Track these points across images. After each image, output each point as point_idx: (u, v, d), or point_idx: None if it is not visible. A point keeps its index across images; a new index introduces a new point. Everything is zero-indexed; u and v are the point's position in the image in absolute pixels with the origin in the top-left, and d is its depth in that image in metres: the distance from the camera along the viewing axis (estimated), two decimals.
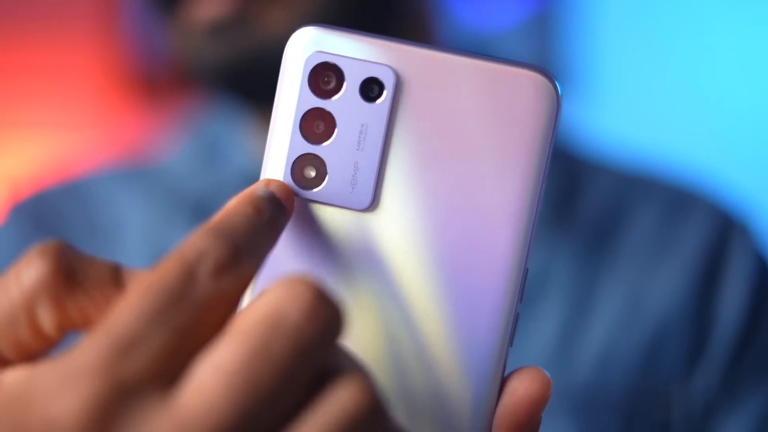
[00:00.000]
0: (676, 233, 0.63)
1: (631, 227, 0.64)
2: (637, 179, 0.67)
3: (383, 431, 0.23)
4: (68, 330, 0.25)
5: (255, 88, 0.61)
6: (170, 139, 0.75)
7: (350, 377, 0.23)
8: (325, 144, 0.29)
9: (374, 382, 0.23)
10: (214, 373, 0.22)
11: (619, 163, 0.69)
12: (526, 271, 0.29)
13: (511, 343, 0.29)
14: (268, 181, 0.28)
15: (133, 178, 0.69)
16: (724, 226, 0.64)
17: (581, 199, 0.65)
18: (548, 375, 0.28)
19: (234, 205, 0.26)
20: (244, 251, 0.24)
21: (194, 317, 0.23)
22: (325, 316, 0.23)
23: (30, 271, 0.24)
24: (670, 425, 0.59)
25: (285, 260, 0.29)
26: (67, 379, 0.22)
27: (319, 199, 0.29)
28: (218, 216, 0.25)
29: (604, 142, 0.71)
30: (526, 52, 1.65)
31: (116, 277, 0.25)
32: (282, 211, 0.27)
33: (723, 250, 0.63)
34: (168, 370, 0.22)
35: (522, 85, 0.28)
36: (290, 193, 0.28)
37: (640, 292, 0.61)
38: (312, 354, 0.22)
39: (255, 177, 0.65)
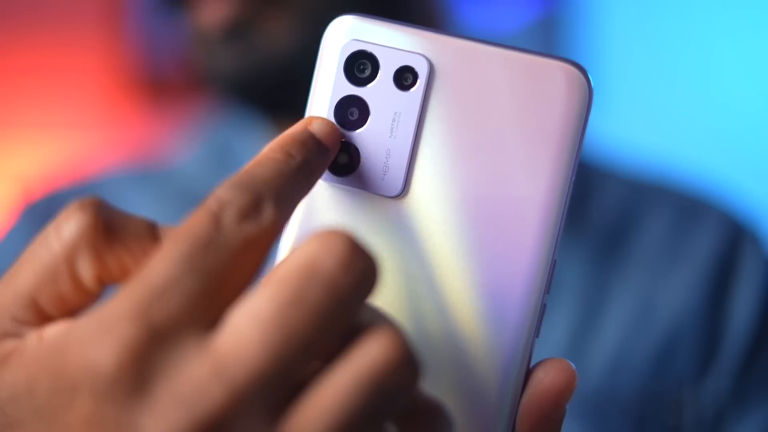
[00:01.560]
0: (687, 240, 0.63)
1: (643, 234, 0.64)
2: (648, 186, 0.67)
3: (413, 384, 0.23)
4: (107, 283, 0.25)
5: (262, 95, 0.62)
6: (181, 141, 0.76)
7: (383, 330, 0.23)
8: (358, 131, 0.29)
9: (407, 337, 0.23)
10: (249, 320, 0.22)
11: (631, 170, 0.69)
12: (554, 263, 0.29)
13: (537, 333, 0.29)
14: (310, 120, 0.28)
15: (144, 180, 0.69)
16: (735, 234, 0.64)
17: (593, 206, 0.65)
18: (574, 366, 0.28)
19: (265, 151, 0.26)
20: (267, 198, 0.24)
21: (223, 262, 0.23)
22: (359, 267, 0.23)
23: (70, 224, 0.24)
24: (680, 430, 0.59)
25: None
26: (103, 327, 0.22)
27: (351, 185, 0.29)
28: (248, 164, 0.26)
29: (615, 149, 0.72)
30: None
31: (153, 232, 0.25)
32: (321, 150, 0.27)
33: (734, 257, 0.63)
34: (202, 314, 0.22)
35: (554, 77, 0.28)
36: (333, 130, 0.28)
37: (652, 298, 0.61)
38: (346, 304, 0.23)
39: None
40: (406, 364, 0.23)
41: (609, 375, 0.59)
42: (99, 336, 0.22)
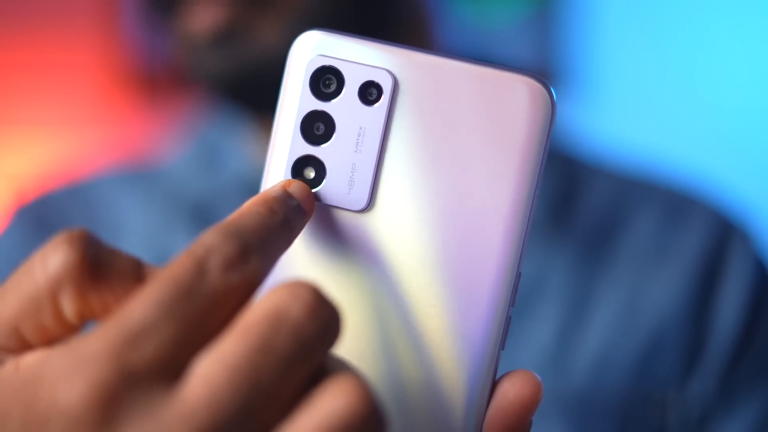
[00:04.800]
0: (675, 237, 0.63)
1: (630, 231, 0.64)
2: (636, 182, 0.67)
3: None
4: (89, 319, 0.25)
5: (252, 97, 0.62)
6: (171, 141, 0.76)
7: (347, 380, 0.23)
8: (324, 145, 0.29)
9: (372, 388, 0.23)
10: (218, 365, 0.22)
11: (618, 166, 0.68)
12: (518, 275, 0.29)
13: (502, 346, 0.29)
14: (288, 182, 0.29)
15: (134, 181, 0.70)
16: (723, 231, 0.64)
17: (579, 202, 0.65)
18: (539, 378, 0.28)
19: (248, 205, 0.27)
20: (253, 248, 0.25)
21: (203, 310, 0.23)
22: (323, 315, 0.23)
23: (56, 258, 0.24)
24: (665, 431, 0.59)
25: (284, 259, 0.29)
26: (75, 365, 0.22)
27: (317, 200, 0.29)
28: (232, 216, 0.26)
29: (603, 145, 0.72)
30: (525, 52, 1.65)
31: (138, 272, 0.25)
32: (299, 212, 0.28)
33: (721, 254, 0.62)
34: (175, 361, 0.23)
35: (517, 91, 0.29)
36: (309, 195, 0.29)
37: (638, 297, 0.61)
38: (311, 350, 0.23)
39: (253, 181, 0.66)
40: (371, 418, 0.23)
41: (594, 375, 0.59)
42: (70, 373, 0.22)
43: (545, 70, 1.60)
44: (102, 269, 0.25)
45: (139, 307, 0.23)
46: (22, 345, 0.25)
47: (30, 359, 0.24)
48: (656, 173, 0.68)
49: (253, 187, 0.66)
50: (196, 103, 0.82)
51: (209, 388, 0.22)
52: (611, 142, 0.73)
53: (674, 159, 0.75)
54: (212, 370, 0.22)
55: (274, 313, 0.23)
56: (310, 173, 0.29)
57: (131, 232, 0.66)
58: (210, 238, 0.24)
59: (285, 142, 0.30)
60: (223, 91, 0.63)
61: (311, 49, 0.30)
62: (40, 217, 0.67)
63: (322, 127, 0.29)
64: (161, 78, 1.60)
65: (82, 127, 1.58)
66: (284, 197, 0.27)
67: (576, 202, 0.64)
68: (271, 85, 0.60)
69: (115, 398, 0.22)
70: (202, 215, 0.65)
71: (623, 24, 1.72)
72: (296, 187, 0.28)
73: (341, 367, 0.24)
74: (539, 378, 0.28)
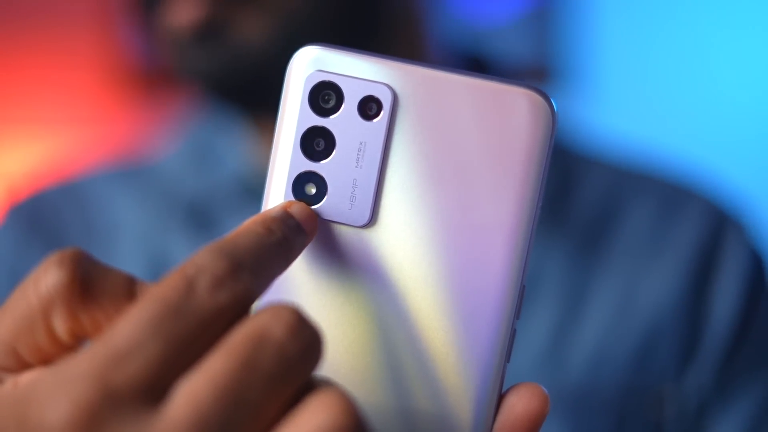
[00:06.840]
0: (671, 229, 0.63)
1: (625, 223, 0.63)
2: (631, 174, 0.67)
3: None
4: (82, 337, 0.26)
5: (237, 94, 0.62)
6: (165, 138, 0.75)
7: (330, 395, 0.24)
8: (324, 161, 0.29)
9: (356, 404, 0.24)
10: (204, 382, 0.23)
11: (614, 159, 0.68)
12: (522, 288, 0.29)
13: (508, 359, 0.29)
14: (290, 203, 0.29)
15: (128, 178, 0.69)
16: (719, 223, 0.64)
17: (575, 195, 0.64)
18: (546, 391, 0.28)
19: (246, 224, 0.27)
20: (245, 267, 0.25)
21: (190, 330, 0.23)
22: (305, 336, 0.24)
23: (47, 278, 0.25)
24: (663, 424, 0.59)
25: (285, 276, 0.29)
26: (61, 384, 0.23)
27: (319, 216, 0.29)
28: (228, 235, 0.26)
29: (599, 137, 0.71)
30: (524, 47, 1.65)
31: (130, 290, 0.26)
32: (298, 232, 0.28)
33: (717, 246, 0.63)
34: (160, 380, 0.23)
35: (518, 104, 0.29)
36: (311, 215, 0.29)
37: (634, 290, 0.61)
38: (294, 369, 0.24)
39: (247, 178, 0.66)
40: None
41: (590, 370, 0.59)
42: (56, 393, 0.22)
43: (541, 63, 1.60)
44: (92, 288, 0.25)
45: (125, 326, 0.23)
46: (20, 364, 0.26)
47: (25, 378, 0.25)
48: (651, 165, 0.68)
49: (247, 184, 0.66)
50: (188, 100, 0.82)
51: (193, 406, 0.22)
52: (606, 135, 0.73)
53: (669, 151, 0.75)
54: (197, 388, 0.23)
55: (257, 334, 0.23)
56: (311, 189, 0.29)
57: (125, 231, 0.66)
58: (201, 256, 0.24)
59: (285, 158, 0.30)
60: (208, 87, 0.62)
61: (309, 64, 0.29)
62: (33, 216, 0.67)
63: (322, 142, 0.29)
64: (154, 76, 1.60)
65: (75, 125, 1.58)
66: (283, 217, 0.27)
67: (571, 195, 0.64)
68: (254, 81, 0.60)
69: (97, 418, 0.22)
70: (196, 213, 0.65)
71: (618, 16, 1.72)
72: (297, 207, 0.29)
73: (325, 386, 0.24)
74: (546, 391, 0.28)
